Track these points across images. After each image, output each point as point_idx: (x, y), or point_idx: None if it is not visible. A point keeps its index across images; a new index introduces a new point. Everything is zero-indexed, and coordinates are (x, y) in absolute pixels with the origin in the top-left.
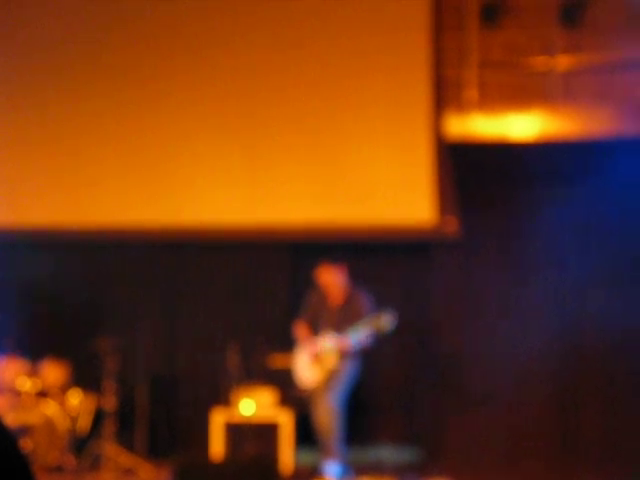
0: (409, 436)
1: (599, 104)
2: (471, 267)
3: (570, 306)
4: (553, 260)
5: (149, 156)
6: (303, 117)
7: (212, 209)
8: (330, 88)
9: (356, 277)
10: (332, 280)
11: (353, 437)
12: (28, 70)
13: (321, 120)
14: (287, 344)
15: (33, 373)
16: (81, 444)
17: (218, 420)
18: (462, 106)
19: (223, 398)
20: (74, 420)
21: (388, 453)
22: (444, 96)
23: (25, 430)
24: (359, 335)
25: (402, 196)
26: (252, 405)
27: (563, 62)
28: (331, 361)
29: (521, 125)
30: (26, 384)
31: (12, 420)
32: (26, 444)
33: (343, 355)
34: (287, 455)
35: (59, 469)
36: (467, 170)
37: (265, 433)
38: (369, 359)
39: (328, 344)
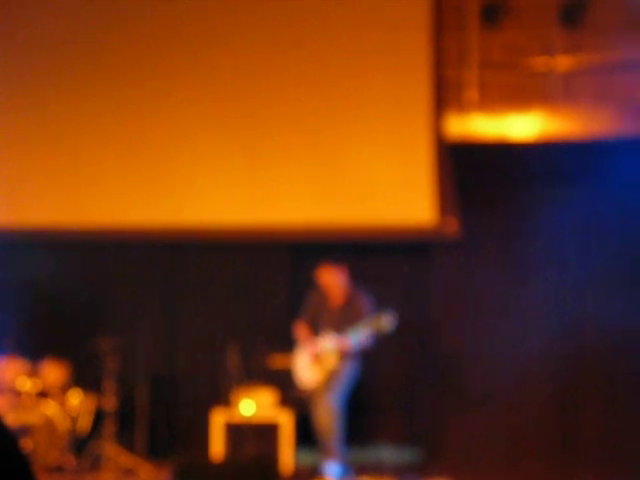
0: (409, 436)
1: (599, 104)
2: (471, 267)
3: (570, 306)
4: (553, 260)
5: (149, 156)
6: (303, 117)
7: (212, 209)
8: (330, 88)
9: (356, 277)
10: (333, 280)
11: (353, 437)
12: (28, 70)
13: (321, 120)
14: (287, 344)
15: (33, 373)
16: (81, 444)
17: (218, 420)
18: (462, 106)
19: (223, 398)
20: (74, 420)
21: (388, 453)
22: (444, 96)
23: (25, 430)
24: (359, 336)
25: (402, 196)
26: (252, 405)
27: (563, 62)
28: (331, 361)
29: (521, 125)
30: (26, 384)
31: (12, 420)
32: (26, 444)
33: (343, 355)
34: (287, 455)
35: (59, 469)
36: (467, 170)
37: (265, 433)
38: (369, 359)
39: (328, 344)
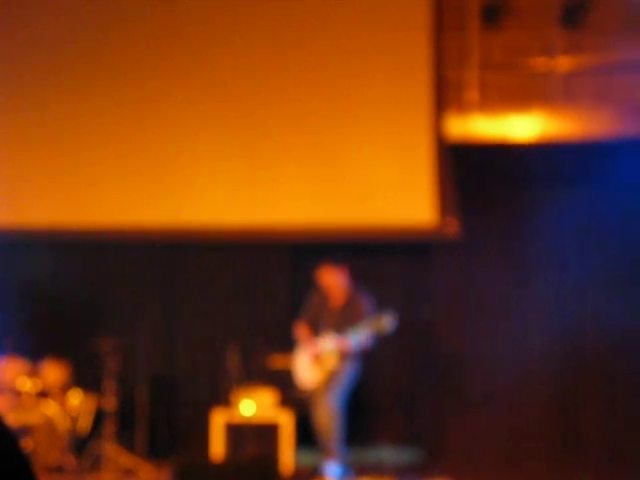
0: (410, 437)
1: (600, 105)
2: (472, 268)
3: (571, 307)
4: (554, 261)
5: (149, 156)
6: (303, 117)
7: (212, 209)
8: (330, 88)
9: (356, 278)
10: (333, 281)
11: (354, 438)
12: (28, 70)
13: (321, 120)
14: (287, 345)
15: (33, 373)
16: (81, 444)
17: (218, 420)
18: (463, 107)
19: (223, 398)
20: (74, 420)
21: (388, 454)
22: (445, 97)
23: (25, 430)
24: (360, 336)
25: (403, 197)
26: (252, 405)
27: (564, 63)
28: (331, 362)
29: (522, 126)
30: (26, 384)
31: (12, 420)
32: (26, 444)
33: (343, 356)
34: (287, 456)
35: (59, 469)
36: (468, 171)
37: (265, 433)
38: (369, 360)
39: (328, 345)
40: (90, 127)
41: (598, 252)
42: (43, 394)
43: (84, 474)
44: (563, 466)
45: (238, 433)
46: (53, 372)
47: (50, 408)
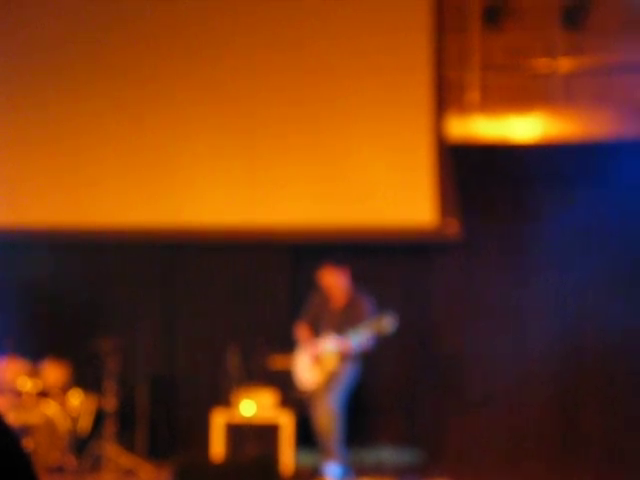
0: (410, 437)
1: (600, 106)
2: (472, 268)
3: (570, 307)
4: (554, 261)
5: (149, 156)
6: (303, 118)
7: (212, 210)
8: (331, 89)
9: (356, 278)
10: (334, 282)
11: (354, 438)
12: (28, 70)
13: (322, 121)
14: (287, 345)
15: (34, 373)
16: (82, 444)
17: (218, 421)
18: (463, 108)
19: (223, 399)
20: (75, 420)
21: (389, 454)
22: (445, 98)
23: (26, 430)
24: (360, 337)
25: (403, 197)
26: (252, 406)
27: (565, 64)
28: (331, 363)
29: (522, 127)
30: (27, 384)
31: (13, 420)
32: (27, 444)
33: (344, 357)
34: (287, 456)
35: (60, 469)
36: (468, 172)
37: (266, 434)
38: (370, 360)
39: (329, 346)
40: (90, 127)
41: (598, 252)
42: (43, 394)
43: (84, 474)
44: (563, 466)
45: (238, 433)
46: (53, 372)
47: (50, 408)
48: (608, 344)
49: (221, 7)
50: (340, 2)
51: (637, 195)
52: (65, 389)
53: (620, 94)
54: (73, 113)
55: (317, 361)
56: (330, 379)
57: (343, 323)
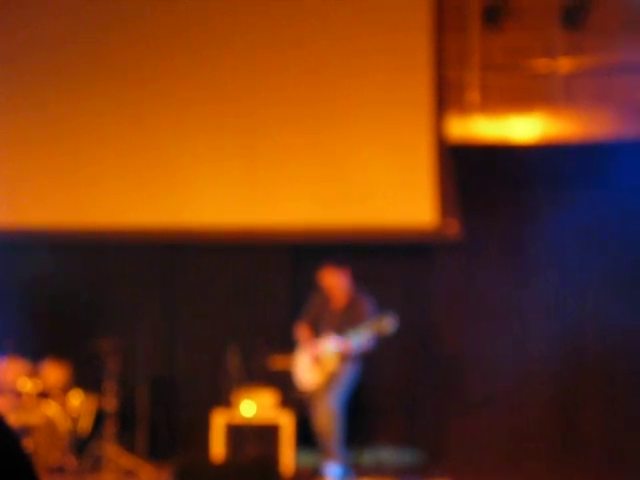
0: (410, 438)
1: (600, 106)
2: (472, 269)
3: (571, 308)
4: (554, 262)
5: (149, 157)
6: (304, 118)
7: (212, 210)
8: (331, 89)
9: (357, 279)
10: (335, 283)
11: (354, 438)
12: (28, 70)
13: (322, 121)
14: (287, 345)
15: (34, 374)
16: (82, 445)
17: (219, 421)
18: (464, 108)
19: (224, 399)
20: (75, 421)
21: (389, 455)
22: (446, 98)
23: (26, 431)
24: (361, 338)
25: (403, 198)
26: (253, 406)
27: (565, 64)
28: (332, 364)
29: (523, 127)
30: (27, 385)
31: (13, 421)
32: (27, 445)
33: (344, 358)
34: (288, 456)
35: (60, 470)
36: (469, 172)
37: (266, 434)
38: (370, 360)
39: (329, 346)
40: (90, 127)
41: (598, 253)
42: (44, 395)
43: (85, 475)
44: (563, 466)
45: (238, 434)
46: (54, 373)
47: (51, 409)
48: (608, 344)
49: (221, 7)
50: (340, 2)
51: (637, 196)
52: (65, 389)
53: (620, 94)
54: (73, 113)
55: (317, 361)
56: (330, 379)
57: (343, 323)
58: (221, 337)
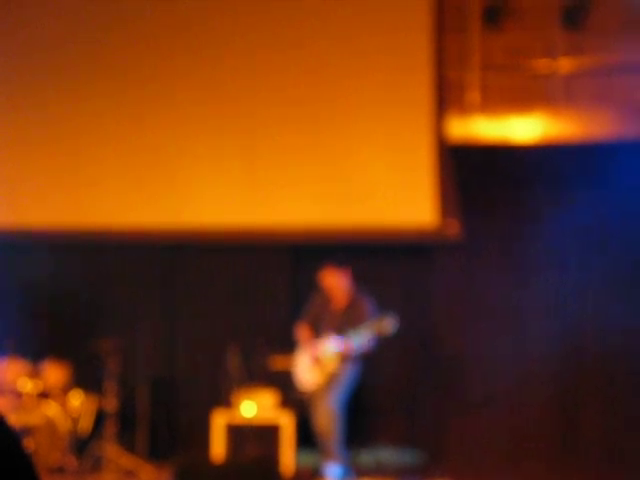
0: (410, 438)
1: (600, 106)
2: (472, 269)
3: (571, 308)
4: (554, 262)
5: (149, 157)
6: (304, 118)
7: (212, 210)
8: (331, 89)
9: (357, 279)
10: (336, 283)
11: (354, 439)
12: (28, 70)
13: (322, 121)
14: (288, 346)
15: (34, 374)
16: (82, 445)
17: (219, 422)
18: (464, 108)
19: (224, 400)
20: (75, 421)
21: (389, 455)
22: (446, 98)
23: (26, 431)
24: (361, 339)
25: (403, 198)
26: (253, 407)
27: (565, 65)
28: (332, 364)
29: (523, 127)
30: (27, 385)
31: (13, 421)
32: (27, 445)
33: (344, 358)
34: (288, 457)
35: (60, 470)
36: (469, 172)
37: (266, 435)
38: (370, 361)
39: (330, 347)
40: (90, 127)
41: (598, 253)
42: (44, 395)
43: (85, 475)
44: (563, 466)
45: (239, 434)
46: (54, 373)
47: (51, 409)
48: (608, 344)
49: (221, 7)
50: (340, 2)
51: (637, 196)
52: (65, 390)
53: (620, 94)
54: (73, 113)
55: (317, 362)
56: (330, 380)
57: (344, 324)
58: (221, 337)
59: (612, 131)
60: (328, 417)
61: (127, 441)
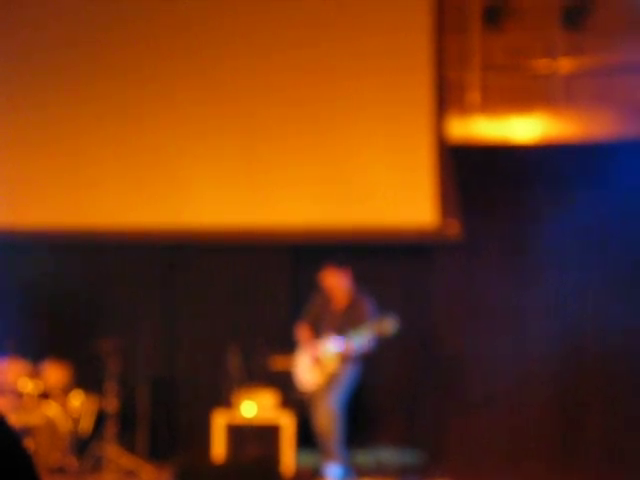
0: (410, 438)
1: (601, 107)
2: (472, 269)
3: (571, 308)
4: (554, 262)
5: (149, 157)
6: (304, 118)
7: (212, 210)
8: (331, 90)
9: (357, 279)
10: (336, 283)
11: (354, 439)
12: (28, 71)
13: (322, 121)
14: (288, 346)
15: (35, 375)
16: (83, 445)
17: (219, 422)
18: (464, 108)
19: (224, 400)
20: (76, 421)
21: (389, 455)
22: (446, 98)
23: (27, 431)
24: (361, 339)
25: (404, 198)
26: (253, 407)
27: (565, 65)
28: (332, 364)
29: (523, 128)
30: (28, 386)
31: (14, 421)
32: (28, 445)
33: (344, 359)
34: (288, 457)
35: (61, 470)
36: (469, 172)
37: (266, 435)
38: (370, 361)
39: (330, 347)
40: (90, 128)
41: (598, 253)
42: (44, 395)
43: (85, 475)
44: (563, 466)
45: (239, 434)
46: (54, 373)
47: (51, 409)
48: (608, 344)
49: (221, 7)
50: (340, 2)
51: (637, 196)
52: (66, 390)
53: (621, 95)
54: (73, 114)
55: (318, 362)
56: (331, 380)
57: (344, 324)
58: (221, 337)
59: (612, 131)
60: (328, 417)
61: (127, 441)
